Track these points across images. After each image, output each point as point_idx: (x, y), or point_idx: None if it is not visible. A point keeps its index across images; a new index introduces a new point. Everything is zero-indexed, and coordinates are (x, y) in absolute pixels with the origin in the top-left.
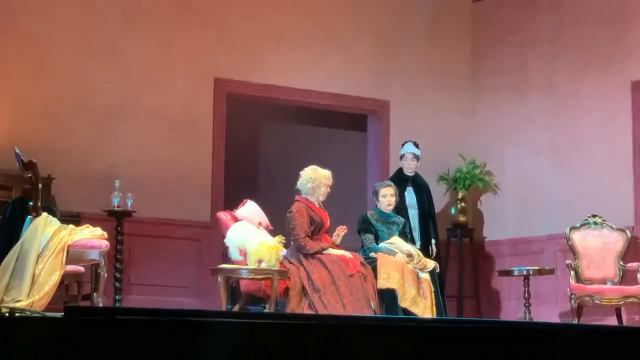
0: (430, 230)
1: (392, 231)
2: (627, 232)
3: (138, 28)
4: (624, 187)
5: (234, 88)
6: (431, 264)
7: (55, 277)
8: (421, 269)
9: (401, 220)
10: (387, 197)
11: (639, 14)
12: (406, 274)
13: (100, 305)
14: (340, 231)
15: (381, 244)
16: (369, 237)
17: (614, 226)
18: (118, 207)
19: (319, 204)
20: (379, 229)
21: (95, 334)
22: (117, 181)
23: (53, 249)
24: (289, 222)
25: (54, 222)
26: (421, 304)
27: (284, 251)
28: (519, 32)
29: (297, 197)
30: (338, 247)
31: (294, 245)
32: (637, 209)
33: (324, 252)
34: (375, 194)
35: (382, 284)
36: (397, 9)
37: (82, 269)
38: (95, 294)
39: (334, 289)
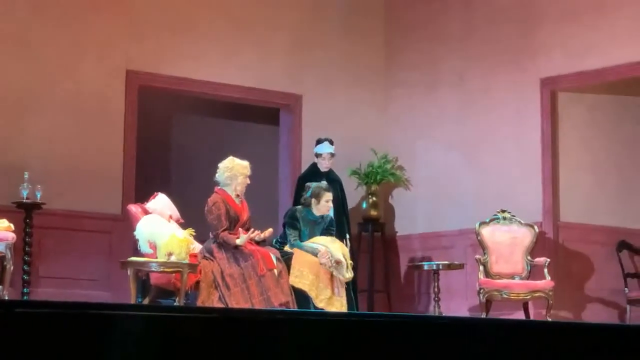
0: (344, 224)
1: (315, 232)
2: (535, 227)
3: (47, 16)
4: (532, 183)
5: (146, 80)
6: (349, 275)
7: None
8: (340, 277)
9: (327, 216)
10: (329, 202)
11: (548, 12)
12: (321, 275)
13: (6, 298)
14: (267, 233)
15: (307, 243)
16: (293, 233)
17: (522, 221)
18: (27, 199)
19: (237, 195)
20: (302, 228)
21: None
22: (26, 173)
23: None
24: (207, 215)
25: None
26: (337, 303)
27: (194, 244)
28: (430, 27)
29: (215, 189)
30: (257, 243)
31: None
32: (545, 204)
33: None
34: (316, 195)
35: (293, 280)
36: (310, 2)
37: None
38: (0, 287)
39: (244, 288)
